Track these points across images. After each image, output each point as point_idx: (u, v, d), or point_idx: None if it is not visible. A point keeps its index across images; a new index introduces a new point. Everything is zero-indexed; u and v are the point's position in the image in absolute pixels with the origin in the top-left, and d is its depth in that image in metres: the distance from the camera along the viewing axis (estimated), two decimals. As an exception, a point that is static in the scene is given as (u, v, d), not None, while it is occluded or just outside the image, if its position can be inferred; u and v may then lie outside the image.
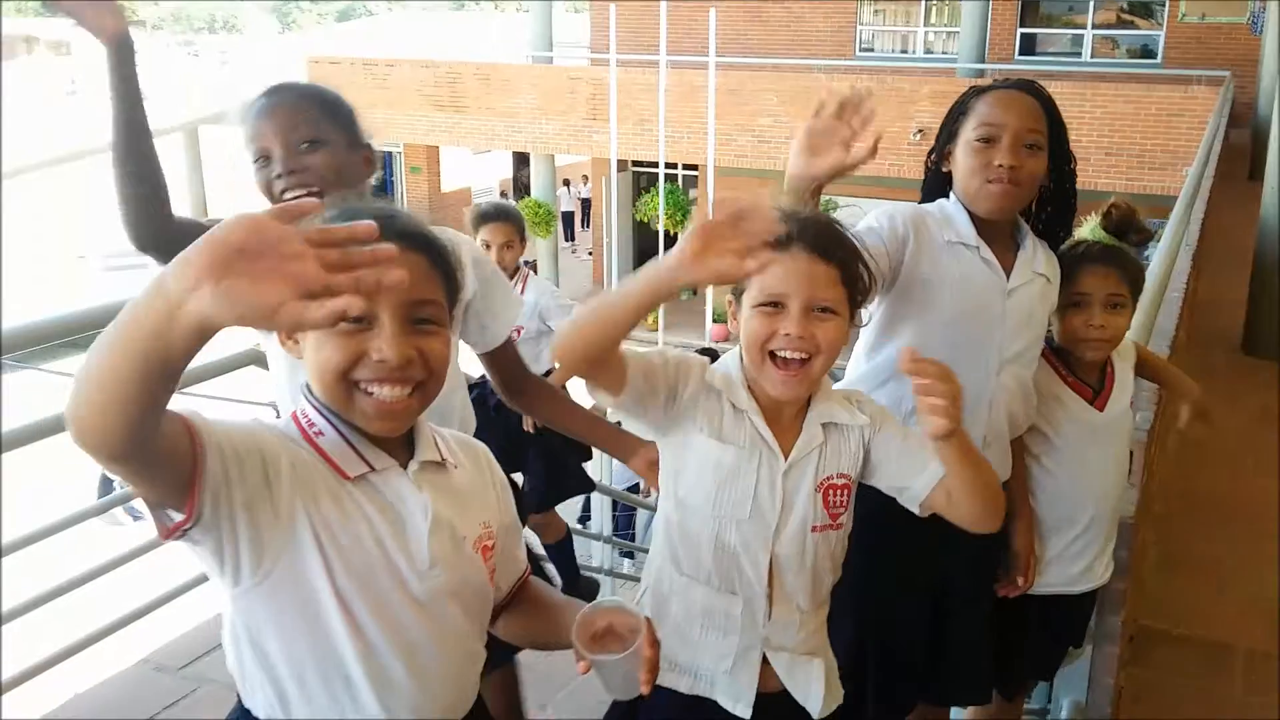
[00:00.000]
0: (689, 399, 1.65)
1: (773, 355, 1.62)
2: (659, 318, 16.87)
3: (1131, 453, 2.49)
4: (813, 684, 1.73)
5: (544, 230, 18.36)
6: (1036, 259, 2.18)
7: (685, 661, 1.72)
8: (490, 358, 2.14)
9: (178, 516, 1.17)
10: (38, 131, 19.39)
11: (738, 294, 1.68)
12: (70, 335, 2.76)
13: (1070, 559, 2.37)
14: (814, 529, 1.67)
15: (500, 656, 2.09)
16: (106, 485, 12.04)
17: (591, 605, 1.47)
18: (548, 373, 4.06)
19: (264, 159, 1.97)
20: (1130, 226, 2.35)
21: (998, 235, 2.14)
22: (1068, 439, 2.33)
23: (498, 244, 4.11)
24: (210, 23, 63.29)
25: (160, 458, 1.11)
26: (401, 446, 1.39)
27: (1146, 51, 17.53)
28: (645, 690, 1.39)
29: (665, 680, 1.68)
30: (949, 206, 2.15)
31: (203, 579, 3.14)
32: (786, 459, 1.66)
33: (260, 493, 1.23)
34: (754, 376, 1.66)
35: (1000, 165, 2.05)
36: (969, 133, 2.10)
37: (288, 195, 1.92)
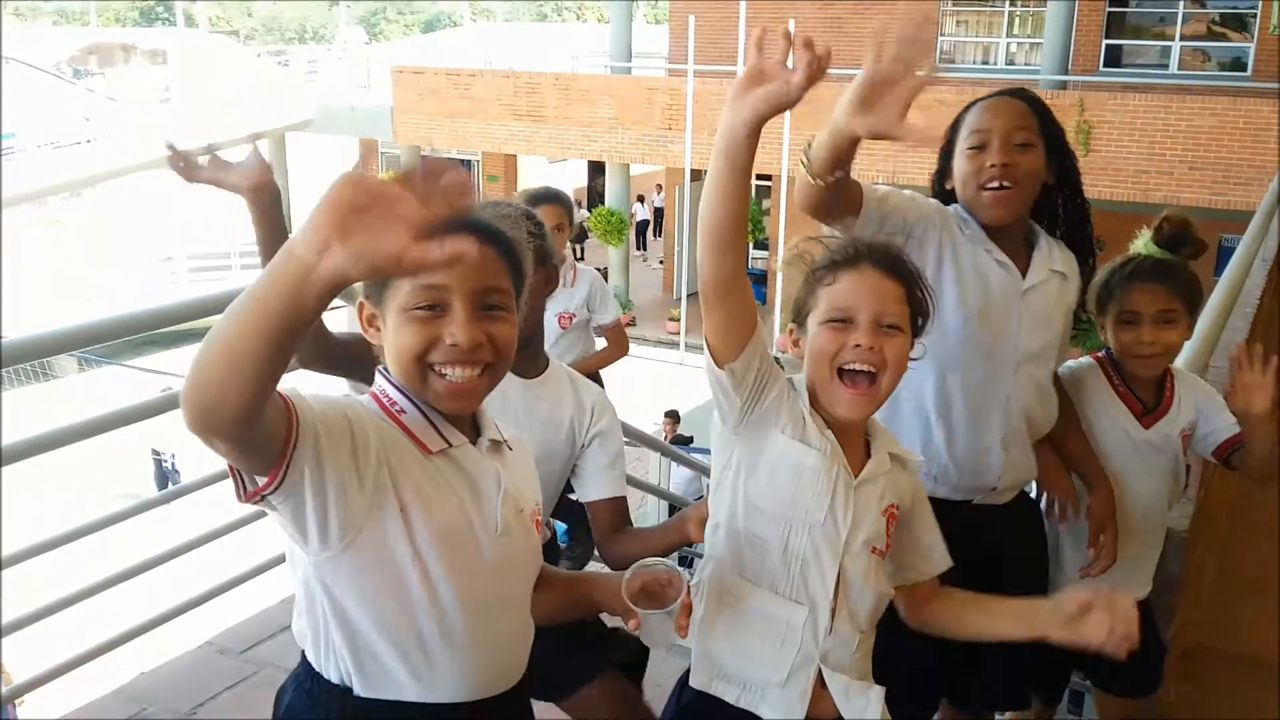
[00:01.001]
0: (775, 398, 1.65)
1: (840, 372, 1.64)
2: (681, 317, 16.82)
3: (1189, 466, 2.46)
4: (869, 710, 1.69)
5: (616, 239, 18.48)
6: (1053, 257, 2.18)
7: (735, 670, 1.69)
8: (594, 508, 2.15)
9: (260, 481, 1.26)
10: (133, 137, 20.01)
11: (799, 318, 1.72)
12: (151, 330, 2.89)
13: (1109, 575, 2.33)
14: (873, 550, 1.68)
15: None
16: (162, 475, 12.42)
17: (634, 567, 1.61)
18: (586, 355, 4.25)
19: None
20: (1184, 239, 2.33)
21: (1009, 239, 2.15)
22: (1108, 448, 2.32)
23: (549, 226, 4.08)
24: (300, 33, 64.75)
25: (261, 434, 1.20)
26: (469, 426, 1.52)
27: (1236, 64, 17.10)
28: (683, 635, 1.55)
29: (713, 688, 1.69)
30: (962, 210, 2.16)
31: (267, 565, 3.24)
32: (856, 476, 1.68)
33: (348, 465, 1.33)
34: (822, 397, 1.67)
35: (993, 165, 2.06)
36: (962, 144, 2.12)
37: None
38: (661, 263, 21.96)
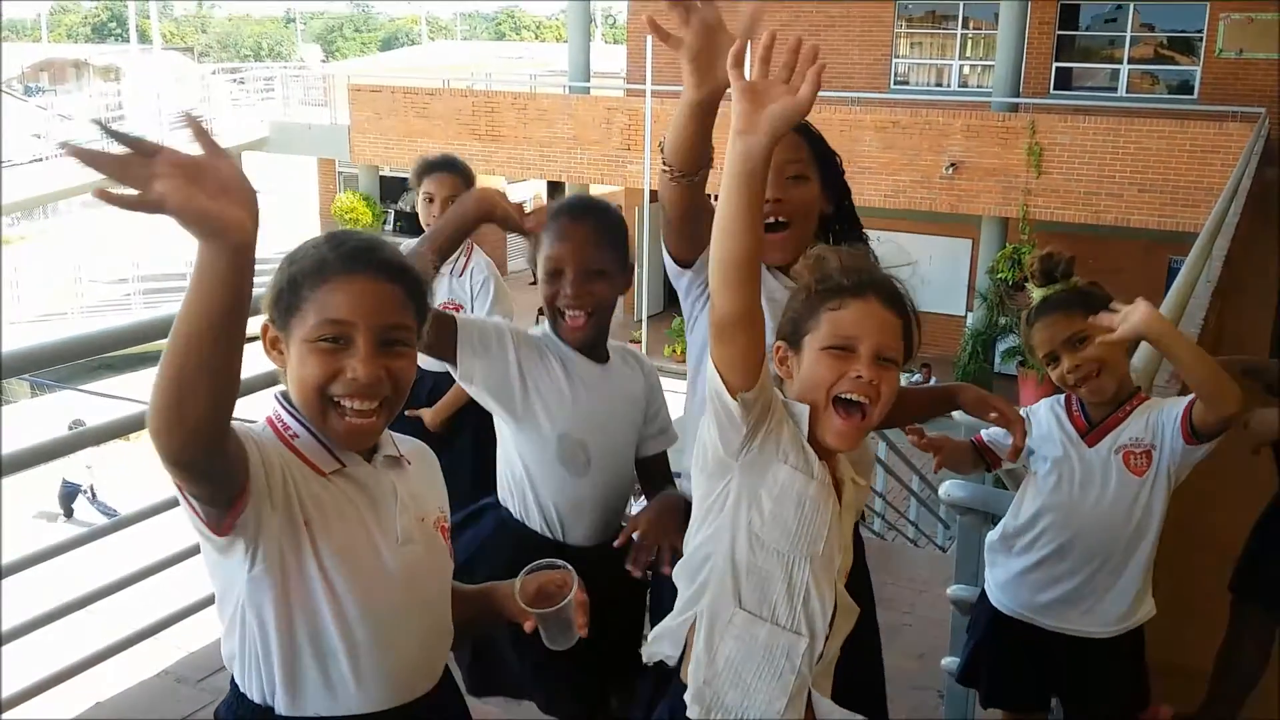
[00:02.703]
0: (777, 425, 1.61)
1: (835, 401, 1.62)
2: (643, 339, 16.84)
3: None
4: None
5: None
6: None
7: (733, 703, 1.65)
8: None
9: (224, 516, 1.35)
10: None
11: (793, 341, 1.68)
12: (105, 353, 2.87)
13: (1067, 599, 2.37)
14: (845, 575, 1.70)
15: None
16: (68, 498, 12.27)
17: (525, 570, 1.70)
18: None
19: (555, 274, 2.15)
20: (1053, 267, 2.34)
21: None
22: (1061, 467, 2.37)
23: (442, 198, 3.66)
24: (256, 50, 64.34)
25: (228, 459, 1.29)
26: (366, 448, 1.57)
27: (1184, 87, 17.46)
28: (583, 633, 1.65)
29: (712, 718, 1.66)
30: None
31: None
32: (840, 503, 1.67)
33: (260, 485, 1.39)
34: (812, 423, 1.64)
35: (765, 201, 1.95)
36: None
37: (568, 314, 2.14)
38: (621, 282, 21.99)
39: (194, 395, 1.17)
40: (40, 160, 19.63)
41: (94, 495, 12.31)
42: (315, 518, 1.46)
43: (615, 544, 2.09)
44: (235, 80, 24.56)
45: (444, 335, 2.03)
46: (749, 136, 1.42)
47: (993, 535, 2.54)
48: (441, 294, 3.57)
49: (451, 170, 3.75)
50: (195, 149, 1.12)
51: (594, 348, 2.21)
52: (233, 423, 1.30)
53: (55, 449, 2.69)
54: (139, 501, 3.06)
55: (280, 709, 1.50)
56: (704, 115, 1.81)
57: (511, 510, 2.21)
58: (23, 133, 21.78)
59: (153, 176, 1.09)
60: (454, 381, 2.18)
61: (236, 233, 1.13)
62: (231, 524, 1.36)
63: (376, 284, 1.49)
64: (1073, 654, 2.39)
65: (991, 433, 2.49)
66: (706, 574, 1.67)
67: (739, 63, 1.45)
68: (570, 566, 1.73)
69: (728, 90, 1.55)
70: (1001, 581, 2.48)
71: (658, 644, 1.74)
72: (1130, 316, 2.15)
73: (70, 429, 11.86)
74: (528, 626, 1.66)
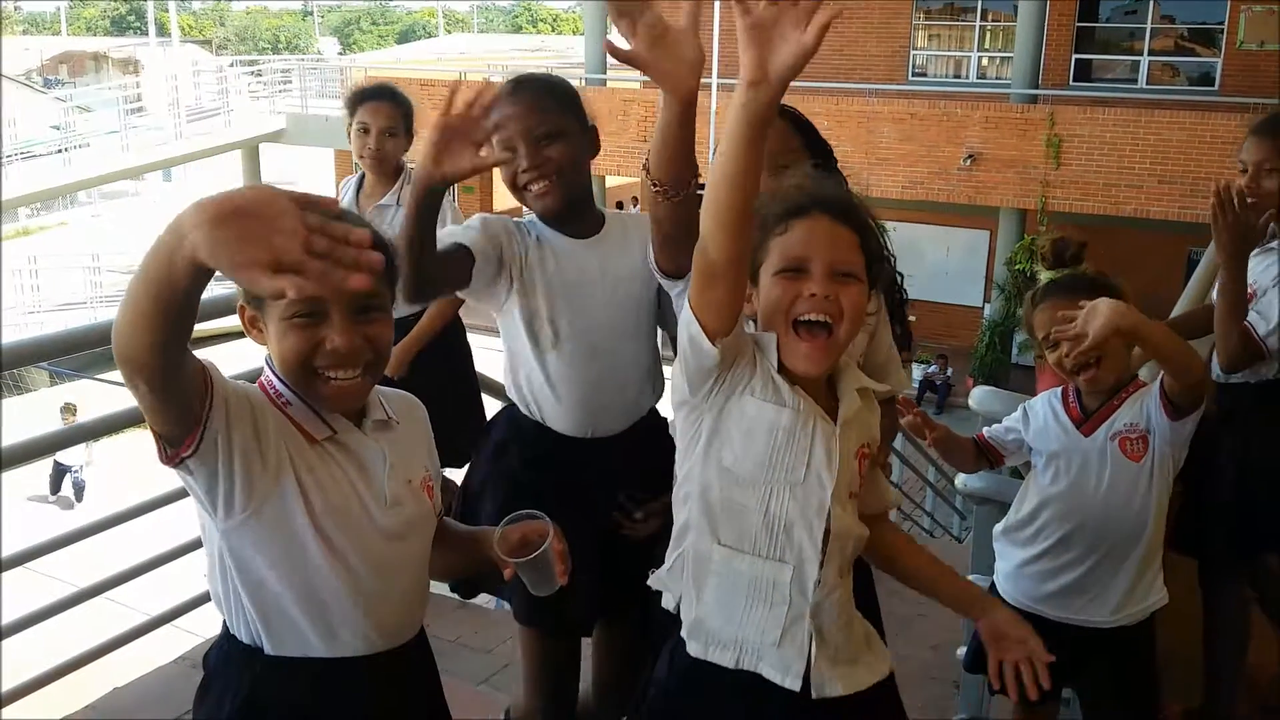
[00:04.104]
0: (746, 362, 1.61)
1: (795, 325, 1.60)
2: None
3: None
4: (865, 652, 1.71)
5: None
6: None
7: (729, 636, 1.65)
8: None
9: (180, 445, 1.40)
10: (106, 147, 19.86)
11: (752, 275, 1.64)
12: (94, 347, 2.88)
13: (1072, 589, 2.35)
14: (851, 495, 1.66)
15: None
16: (58, 476, 12.35)
17: (507, 520, 1.75)
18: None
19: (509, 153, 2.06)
20: (1064, 251, 2.34)
21: None
22: (1059, 460, 2.35)
23: (378, 128, 3.43)
24: (274, 43, 64.51)
25: (180, 391, 1.35)
26: (355, 410, 1.63)
27: (1205, 78, 17.32)
28: (563, 581, 1.72)
29: (710, 655, 1.66)
30: None
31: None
32: (836, 422, 1.64)
33: (251, 442, 1.47)
34: (779, 352, 1.61)
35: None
36: None
37: (532, 187, 2.08)
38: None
39: (156, 326, 1.22)
40: (60, 151, 19.73)
41: (79, 473, 12.38)
42: (308, 480, 1.53)
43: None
44: (253, 73, 24.62)
45: (458, 269, 2.03)
46: (760, 86, 1.39)
47: (997, 528, 2.53)
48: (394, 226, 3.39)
49: (388, 99, 3.47)
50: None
51: (572, 219, 2.17)
52: (213, 367, 1.41)
53: (54, 442, 2.71)
54: (144, 491, 3.06)
55: (268, 649, 1.58)
56: (685, 127, 1.79)
57: (520, 409, 2.24)
58: (42, 125, 21.90)
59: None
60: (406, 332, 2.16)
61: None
62: (177, 456, 1.41)
63: None
64: (1080, 645, 2.36)
65: (993, 430, 2.48)
66: (687, 514, 1.69)
67: None
68: (547, 517, 1.76)
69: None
70: (1006, 573, 2.47)
71: (659, 584, 1.77)
72: (1093, 321, 2.09)
73: (61, 413, 11.99)
74: (507, 574, 1.72)
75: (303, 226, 1.07)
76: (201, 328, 1.50)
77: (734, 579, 1.64)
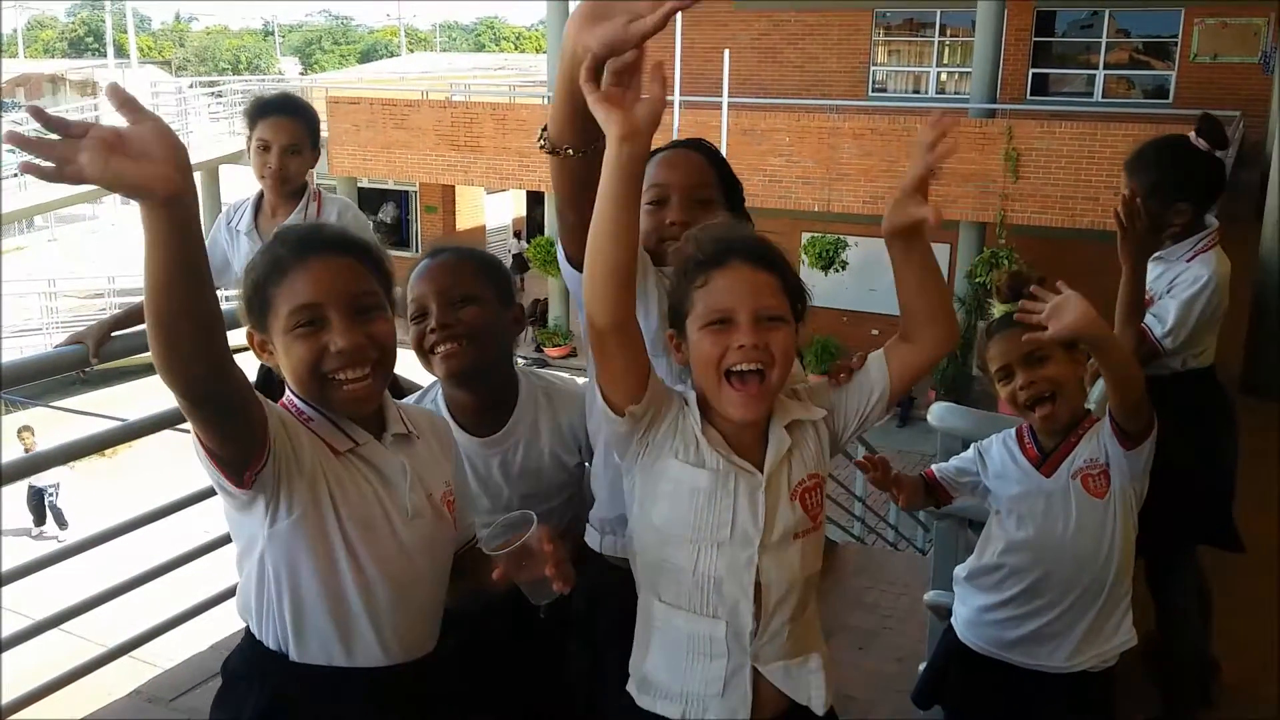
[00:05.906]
0: (668, 424, 1.63)
1: (728, 375, 1.59)
2: None
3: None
4: (811, 682, 1.70)
5: (555, 269, 18.42)
6: None
7: (675, 689, 1.68)
8: None
9: (248, 469, 1.47)
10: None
11: (678, 324, 1.66)
12: (79, 368, 2.83)
13: (1040, 635, 2.26)
14: (795, 537, 1.65)
15: None
16: (38, 504, 12.20)
17: (498, 523, 1.68)
18: None
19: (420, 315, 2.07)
20: (1021, 285, 2.23)
21: None
22: (1021, 505, 2.28)
23: (280, 145, 3.09)
24: (234, 64, 64.15)
25: (236, 408, 1.41)
26: (374, 424, 1.68)
27: (1159, 91, 17.60)
28: (559, 588, 1.61)
29: (658, 708, 1.69)
30: None
31: (195, 610, 3.18)
32: (763, 473, 1.64)
33: (288, 452, 1.53)
34: (713, 402, 1.63)
35: (672, 224, 1.97)
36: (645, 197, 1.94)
37: (439, 349, 2.04)
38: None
39: (179, 335, 1.28)
40: (16, 175, 19.48)
41: (54, 496, 12.24)
42: (336, 491, 1.58)
43: None
44: (213, 94, 24.46)
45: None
46: (635, 139, 1.42)
47: (959, 572, 2.44)
48: None
49: (290, 113, 3.13)
50: (120, 119, 1.20)
51: (478, 399, 2.13)
52: (259, 397, 1.47)
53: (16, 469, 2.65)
54: (107, 518, 3.01)
55: (293, 656, 1.61)
56: (570, 81, 1.58)
57: None
58: (-2, 148, 21.63)
59: (78, 151, 1.16)
60: None
61: (163, 186, 1.19)
62: (252, 478, 1.48)
63: (331, 261, 1.62)
64: (1042, 688, 2.28)
65: (944, 469, 2.44)
66: (635, 570, 1.73)
67: (591, 76, 1.42)
68: (534, 515, 1.66)
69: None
70: (967, 618, 2.40)
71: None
72: (1063, 314, 2.04)
73: (19, 436, 11.83)
74: (497, 575, 1.64)
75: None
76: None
77: (674, 635, 1.68)
